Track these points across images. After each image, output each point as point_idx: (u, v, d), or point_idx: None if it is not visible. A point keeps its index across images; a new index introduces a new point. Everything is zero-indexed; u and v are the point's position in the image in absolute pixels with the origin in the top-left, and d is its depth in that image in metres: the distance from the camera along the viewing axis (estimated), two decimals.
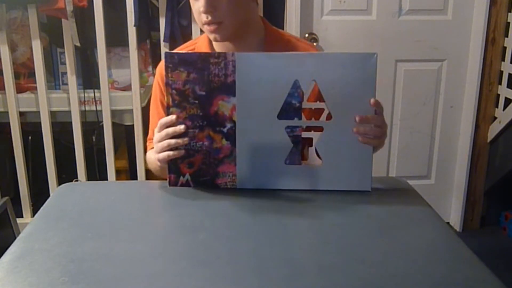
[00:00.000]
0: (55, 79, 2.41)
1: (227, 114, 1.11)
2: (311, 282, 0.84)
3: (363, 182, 1.15)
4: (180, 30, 2.30)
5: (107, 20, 2.26)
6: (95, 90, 2.36)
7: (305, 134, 1.13)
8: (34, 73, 2.31)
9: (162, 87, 1.33)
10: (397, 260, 0.91)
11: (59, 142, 2.54)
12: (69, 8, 2.18)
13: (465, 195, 2.68)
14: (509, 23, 2.43)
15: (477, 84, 2.50)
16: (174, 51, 1.31)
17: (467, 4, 2.44)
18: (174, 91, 1.11)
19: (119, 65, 2.40)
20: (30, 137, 2.54)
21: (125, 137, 2.59)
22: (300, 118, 1.12)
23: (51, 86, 2.40)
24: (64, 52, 2.30)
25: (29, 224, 1.04)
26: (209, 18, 1.21)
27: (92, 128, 2.49)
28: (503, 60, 2.47)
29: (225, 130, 1.12)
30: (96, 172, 2.54)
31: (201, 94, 1.10)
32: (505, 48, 2.46)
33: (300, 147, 1.14)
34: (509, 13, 2.42)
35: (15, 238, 0.98)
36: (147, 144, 1.45)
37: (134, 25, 2.25)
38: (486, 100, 2.53)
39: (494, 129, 2.55)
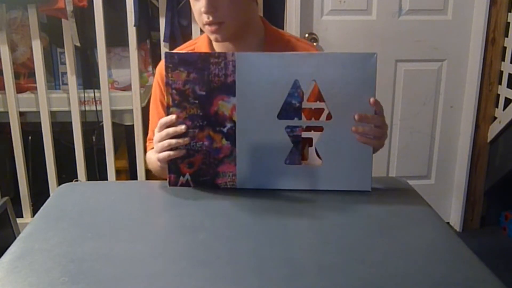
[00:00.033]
0: (55, 79, 2.41)
1: (227, 114, 1.11)
2: (311, 282, 0.84)
3: (363, 182, 1.15)
4: (180, 30, 2.30)
5: (107, 20, 2.26)
6: (95, 90, 2.36)
7: (305, 134, 1.13)
8: (34, 73, 2.31)
9: (162, 87, 1.33)
10: (397, 260, 0.91)
11: (59, 142, 2.54)
12: (69, 8, 2.18)
13: (465, 195, 2.68)
14: (509, 23, 2.42)
15: (477, 84, 2.50)
16: (174, 51, 1.30)
17: (467, 4, 2.44)
18: (174, 91, 1.11)
19: (119, 65, 2.40)
20: (30, 137, 2.54)
21: (125, 137, 2.59)
22: (300, 118, 1.12)
23: (51, 86, 2.40)
24: (64, 52, 2.30)
25: (29, 224, 1.04)
26: (210, 18, 1.21)
27: (92, 128, 2.49)
28: (503, 60, 2.47)
29: (225, 130, 1.12)
30: (96, 172, 2.54)
31: (201, 94, 1.10)
32: (505, 48, 2.46)
33: (300, 147, 1.14)
34: (509, 13, 2.42)
35: (15, 238, 0.98)
36: (147, 144, 1.45)
37: (134, 25, 2.26)
38: (486, 100, 2.53)
39: (494, 129, 2.55)
